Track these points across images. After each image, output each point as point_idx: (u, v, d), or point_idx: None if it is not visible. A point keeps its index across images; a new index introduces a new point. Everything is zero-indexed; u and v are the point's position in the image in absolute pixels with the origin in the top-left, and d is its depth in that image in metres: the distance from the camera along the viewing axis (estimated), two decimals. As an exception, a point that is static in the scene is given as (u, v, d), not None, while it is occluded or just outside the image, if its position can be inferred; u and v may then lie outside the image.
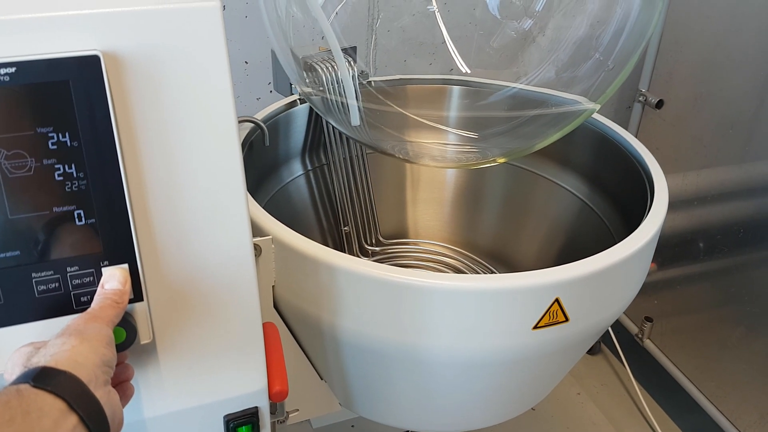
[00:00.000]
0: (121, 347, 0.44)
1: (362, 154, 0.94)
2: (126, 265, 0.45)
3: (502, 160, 0.81)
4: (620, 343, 1.36)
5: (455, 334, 0.61)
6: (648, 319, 1.32)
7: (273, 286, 0.66)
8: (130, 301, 0.45)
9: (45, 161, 0.41)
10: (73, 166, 0.42)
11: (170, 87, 0.43)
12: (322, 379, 0.78)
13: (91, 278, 0.44)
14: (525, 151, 0.82)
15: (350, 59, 0.81)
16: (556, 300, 0.59)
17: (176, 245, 0.47)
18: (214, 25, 0.43)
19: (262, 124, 0.81)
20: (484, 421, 0.78)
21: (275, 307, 0.68)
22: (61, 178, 0.42)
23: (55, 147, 0.41)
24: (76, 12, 0.40)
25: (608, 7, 0.74)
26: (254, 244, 0.58)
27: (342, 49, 0.80)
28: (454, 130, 0.93)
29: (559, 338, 0.63)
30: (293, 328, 0.72)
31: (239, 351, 0.53)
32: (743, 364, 1.13)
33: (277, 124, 0.87)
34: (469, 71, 0.91)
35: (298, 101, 0.89)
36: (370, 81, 0.91)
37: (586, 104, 0.75)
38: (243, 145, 0.79)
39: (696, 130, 1.16)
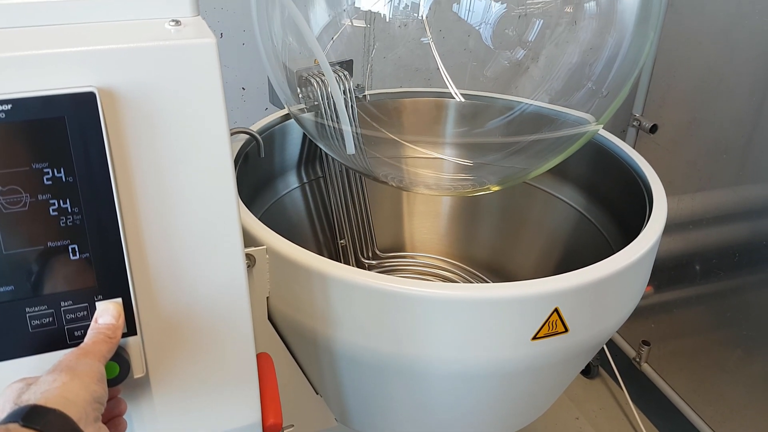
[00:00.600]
0: (113, 382, 0.44)
1: (358, 168, 0.93)
2: (120, 299, 0.45)
3: (496, 188, 0.81)
4: (618, 366, 1.36)
5: (454, 345, 0.60)
6: (645, 342, 1.32)
7: (267, 298, 0.65)
8: (124, 335, 0.45)
9: (40, 197, 0.41)
10: (67, 201, 0.42)
11: (165, 122, 0.43)
12: (317, 393, 0.77)
13: (85, 313, 0.44)
14: (521, 178, 0.82)
15: (346, 74, 0.80)
16: (556, 310, 0.58)
17: (170, 279, 0.47)
18: (210, 61, 0.43)
19: (257, 136, 0.80)
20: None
21: (269, 319, 0.67)
22: (55, 213, 0.42)
23: (50, 182, 0.41)
24: (71, 49, 0.40)
25: (600, 35, 0.74)
26: (248, 254, 0.58)
27: (338, 63, 0.80)
28: (450, 158, 0.94)
29: (558, 349, 0.62)
30: (288, 340, 0.70)
31: (233, 384, 0.52)
32: (741, 387, 1.13)
33: (272, 135, 0.86)
34: (463, 99, 0.92)
35: (293, 113, 0.88)
36: (366, 95, 0.90)
37: (591, 124, 0.75)
38: (238, 156, 0.78)
39: (690, 155, 1.17)
